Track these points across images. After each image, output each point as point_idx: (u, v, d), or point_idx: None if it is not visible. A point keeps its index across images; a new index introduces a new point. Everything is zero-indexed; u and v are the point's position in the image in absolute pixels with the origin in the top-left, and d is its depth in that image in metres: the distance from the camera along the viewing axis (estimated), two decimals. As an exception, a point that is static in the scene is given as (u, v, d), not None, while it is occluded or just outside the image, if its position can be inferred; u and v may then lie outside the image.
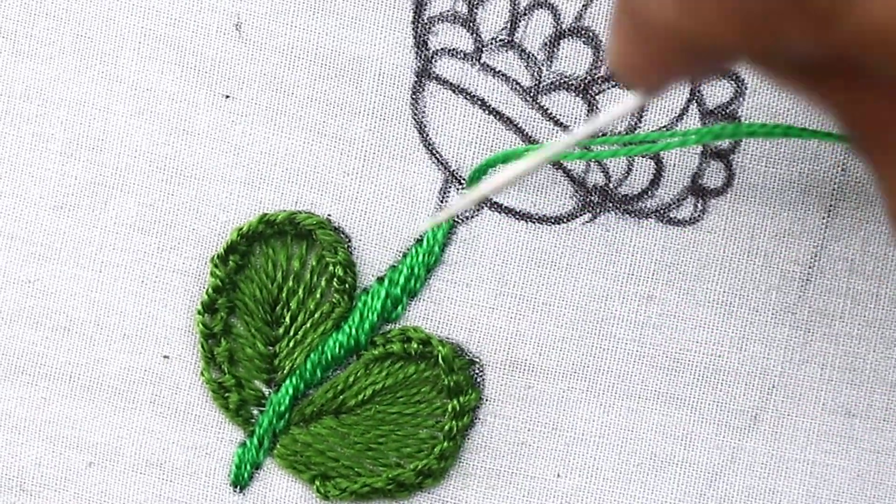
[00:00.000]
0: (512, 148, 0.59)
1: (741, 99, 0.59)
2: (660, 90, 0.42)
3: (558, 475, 0.61)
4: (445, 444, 0.60)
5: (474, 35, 0.59)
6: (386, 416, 0.61)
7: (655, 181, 0.60)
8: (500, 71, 0.59)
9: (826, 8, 0.37)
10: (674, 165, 0.60)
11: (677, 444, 0.61)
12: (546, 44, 0.59)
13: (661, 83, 0.42)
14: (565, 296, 0.60)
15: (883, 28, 0.36)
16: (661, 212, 0.60)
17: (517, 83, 0.59)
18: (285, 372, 0.61)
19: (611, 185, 0.60)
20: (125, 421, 0.61)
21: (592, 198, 0.60)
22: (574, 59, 0.59)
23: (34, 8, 0.60)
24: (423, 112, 0.60)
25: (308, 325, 0.60)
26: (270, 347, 0.61)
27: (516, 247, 0.60)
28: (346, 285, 0.60)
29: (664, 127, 0.60)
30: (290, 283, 0.61)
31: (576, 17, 0.59)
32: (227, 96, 0.60)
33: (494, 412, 0.61)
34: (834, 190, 0.60)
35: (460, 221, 0.60)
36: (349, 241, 0.60)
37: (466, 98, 0.60)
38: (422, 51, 0.60)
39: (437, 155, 0.60)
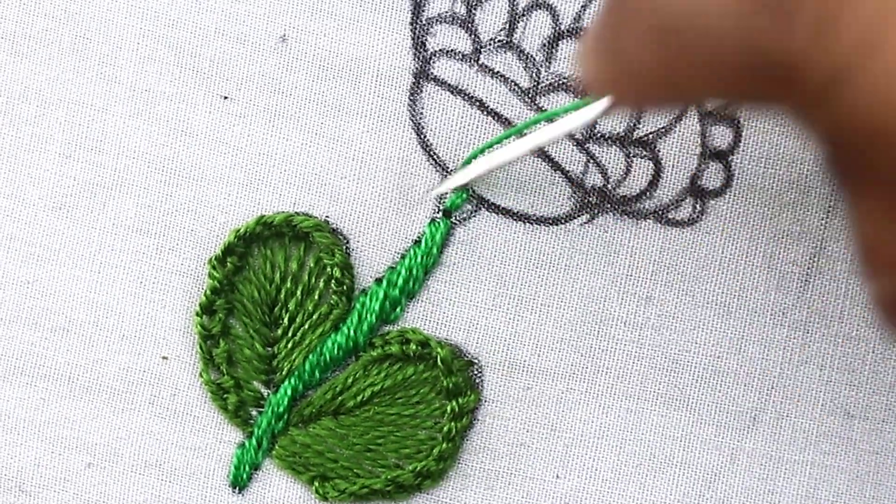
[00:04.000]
0: (495, 136, 0.59)
1: (740, 99, 0.59)
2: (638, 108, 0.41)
3: (557, 476, 0.61)
4: (444, 445, 0.60)
5: (472, 36, 0.59)
6: (385, 418, 0.61)
7: (654, 182, 0.60)
8: (498, 72, 0.59)
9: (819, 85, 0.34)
10: (672, 166, 0.60)
11: (676, 444, 0.61)
12: (544, 45, 0.59)
13: (637, 106, 0.41)
14: (564, 297, 0.60)
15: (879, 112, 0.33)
16: (660, 213, 0.60)
17: (515, 84, 0.59)
18: (284, 373, 0.61)
19: (609, 186, 0.60)
20: (124, 422, 0.61)
21: (591, 199, 0.60)
22: (572, 60, 0.59)
23: (33, 8, 0.60)
24: (421, 114, 0.60)
25: (306, 326, 0.60)
26: (269, 349, 0.61)
27: (515, 248, 0.60)
28: (344, 287, 0.60)
29: (663, 128, 0.59)
30: (288, 285, 0.61)
31: (574, 18, 0.59)
32: (226, 97, 0.60)
33: (493, 413, 0.61)
34: (834, 190, 0.60)
35: (458, 223, 0.60)
36: (347, 242, 0.60)
37: (464, 99, 0.59)
38: (420, 52, 0.59)
39: (435, 156, 0.60)
